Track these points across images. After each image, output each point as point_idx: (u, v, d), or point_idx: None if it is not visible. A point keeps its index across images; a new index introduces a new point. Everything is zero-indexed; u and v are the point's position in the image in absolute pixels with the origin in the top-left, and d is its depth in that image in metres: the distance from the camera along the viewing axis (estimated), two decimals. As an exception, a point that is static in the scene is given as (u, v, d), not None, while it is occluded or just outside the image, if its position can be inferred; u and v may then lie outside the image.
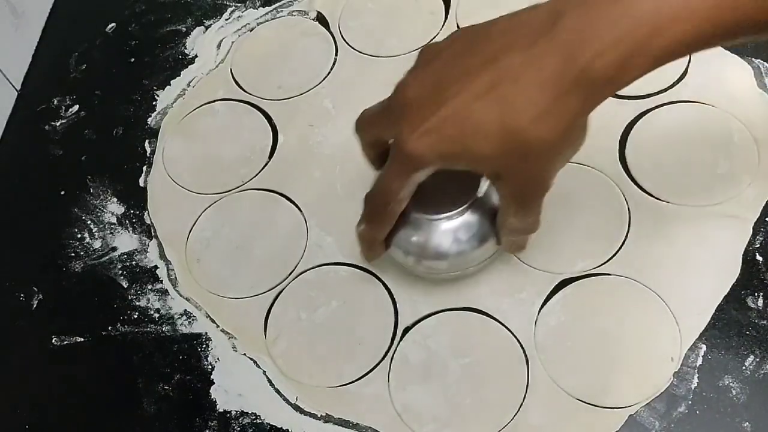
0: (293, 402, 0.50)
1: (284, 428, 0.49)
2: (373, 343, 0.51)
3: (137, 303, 0.55)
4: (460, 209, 0.48)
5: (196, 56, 0.69)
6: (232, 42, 0.69)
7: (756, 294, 0.50)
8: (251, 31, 0.70)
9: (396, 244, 0.49)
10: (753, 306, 0.50)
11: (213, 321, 0.54)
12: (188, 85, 0.67)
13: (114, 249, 0.58)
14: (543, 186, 0.43)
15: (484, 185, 0.48)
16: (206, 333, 0.54)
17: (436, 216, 0.48)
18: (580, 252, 0.53)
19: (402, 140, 0.41)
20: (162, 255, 0.58)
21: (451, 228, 0.48)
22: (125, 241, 0.59)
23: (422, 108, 0.40)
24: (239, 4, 0.72)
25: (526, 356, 0.49)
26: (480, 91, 0.39)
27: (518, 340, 0.50)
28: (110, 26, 0.73)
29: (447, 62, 0.41)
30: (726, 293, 0.50)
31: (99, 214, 0.60)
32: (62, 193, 0.62)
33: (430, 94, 0.40)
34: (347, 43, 0.67)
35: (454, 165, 0.42)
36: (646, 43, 0.36)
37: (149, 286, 0.56)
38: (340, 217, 0.57)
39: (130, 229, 0.59)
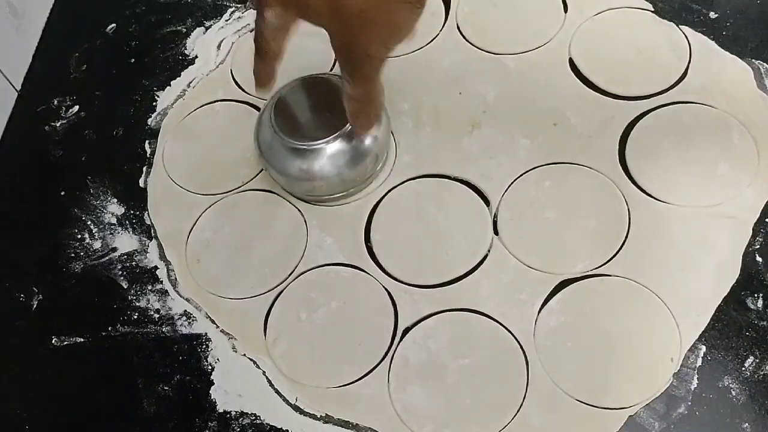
0: (293, 403, 0.50)
1: (284, 429, 0.49)
2: (373, 343, 0.51)
3: (137, 303, 0.55)
4: (329, 138, 0.53)
5: (197, 57, 0.69)
6: (233, 43, 0.69)
7: (756, 295, 0.50)
8: (251, 31, 0.70)
9: (273, 167, 0.55)
10: (752, 307, 0.50)
11: (213, 321, 0.54)
12: (188, 85, 0.67)
13: (114, 249, 0.58)
14: (364, 53, 0.47)
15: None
16: (206, 333, 0.54)
17: (308, 143, 0.53)
18: (580, 253, 0.53)
19: None
20: (162, 255, 0.58)
21: (320, 154, 0.53)
22: (125, 242, 0.59)
23: None
24: (239, 5, 0.72)
25: (525, 357, 0.49)
26: None
27: (518, 341, 0.50)
28: (110, 27, 0.73)
29: None
30: (726, 294, 0.50)
31: (99, 214, 0.60)
32: (62, 193, 0.62)
33: None
34: (347, 43, 0.67)
35: (290, 12, 0.48)
36: None
37: (149, 287, 0.56)
38: (340, 218, 0.57)
39: (130, 229, 0.59)
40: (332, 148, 0.53)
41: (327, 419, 0.49)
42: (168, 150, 0.63)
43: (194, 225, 0.59)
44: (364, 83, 0.50)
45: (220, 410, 0.50)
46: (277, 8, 0.47)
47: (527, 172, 0.57)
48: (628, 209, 0.54)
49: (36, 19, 0.73)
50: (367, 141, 0.54)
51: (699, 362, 0.48)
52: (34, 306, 0.56)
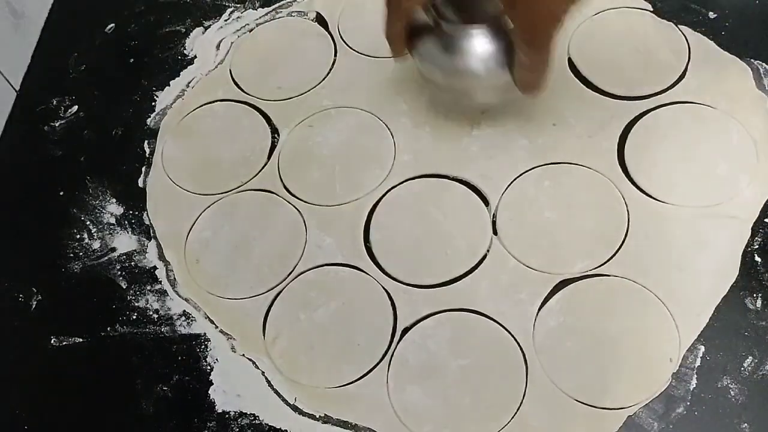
0: (292, 403, 0.50)
1: (283, 429, 0.49)
2: (372, 343, 0.51)
3: (136, 304, 0.55)
4: (483, 28, 0.50)
5: (196, 57, 0.69)
6: (232, 42, 0.69)
7: (755, 295, 0.50)
8: (250, 31, 0.70)
9: (416, 51, 0.53)
10: (751, 307, 0.50)
11: (212, 322, 0.54)
12: (187, 85, 0.67)
13: (113, 249, 0.58)
14: (552, 19, 0.46)
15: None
16: (205, 333, 0.54)
17: (461, 30, 0.50)
18: (579, 253, 0.53)
19: None
20: (161, 256, 0.58)
21: (470, 44, 0.50)
22: (124, 242, 0.59)
23: None
24: (238, 5, 0.72)
25: (524, 357, 0.49)
26: None
27: (517, 341, 0.50)
28: (109, 27, 0.73)
29: None
30: (724, 294, 0.50)
31: (98, 214, 0.60)
32: (61, 193, 0.62)
33: None
34: (346, 43, 0.67)
35: None
36: None
37: (148, 287, 0.56)
38: (339, 218, 0.57)
39: (129, 229, 0.59)
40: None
41: (326, 419, 0.49)
42: (167, 150, 0.63)
43: (193, 225, 0.58)
44: (541, 49, 0.48)
45: (219, 410, 0.50)
46: None
47: (526, 172, 0.57)
48: (627, 209, 0.54)
49: (35, 19, 0.73)
50: None
51: (698, 362, 0.48)
52: (33, 306, 0.56)
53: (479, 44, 0.50)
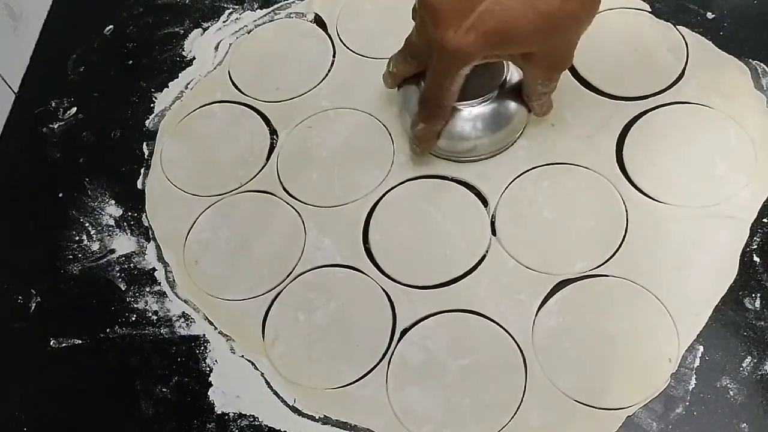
0: (291, 404, 0.50)
1: (282, 430, 0.49)
2: (371, 344, 0.51)
3: (135, 305, 0.55)
4: (480, 99, 0.55)
5: (194, 58, 0.69)
6: (230, 44, 0.69)
7: (753, 295, 0.50)
8: (249, 33, 0.70)
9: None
10: (750, 307, 0.50)
11: (211, 323, 0.54)
12: (186, 87, 0.67)
13: (112, 251, 0.58)
14: (570, 56, 0.51)
15: (507, 73, 0.56)
16: (204, 335, 0.54)
17: (459, 103, 0.54)
18: (578, 253, 0.53)
19: (446, 41, 0.46)
20: (160, 257, 0.58)
21: (470, 115, 0.55)
22: (123, 244, 0.59)
23: (456, 10, 0.46)
24: (237, 6, 0.72)
25: (524, 357, 0.49)
26: None
27: (516, 342, 0.50)
28: (108, 28, 0.72)
29: None
30: (723, 294, 0.50)
31: (97, 216, 0.60)
32: (60, 195, 0.62)
33: None
34: (345, 44, 0.67)
35: (494, 54, 0.49)
36: None
37: (147, 288, 0.56)
38: (338, 219, 0.57)
39: (128, 231, 0.59)
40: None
41: (325, 420, 0.49)
42: (166, 151, 0.63)
43: (192, 226, 0.58)
44: (557, 79, 0.53)
45: (219, 412, 0.50)
46: (482, 54, 0.48)
47: (525, 172, 0.57)
48: (626, 209, 0.54)
49: (33, 21, 0.73)
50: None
51: (697, 362, 0.48)
52: (33, 308, 0.56)
53: (470, 110, 0.55)
